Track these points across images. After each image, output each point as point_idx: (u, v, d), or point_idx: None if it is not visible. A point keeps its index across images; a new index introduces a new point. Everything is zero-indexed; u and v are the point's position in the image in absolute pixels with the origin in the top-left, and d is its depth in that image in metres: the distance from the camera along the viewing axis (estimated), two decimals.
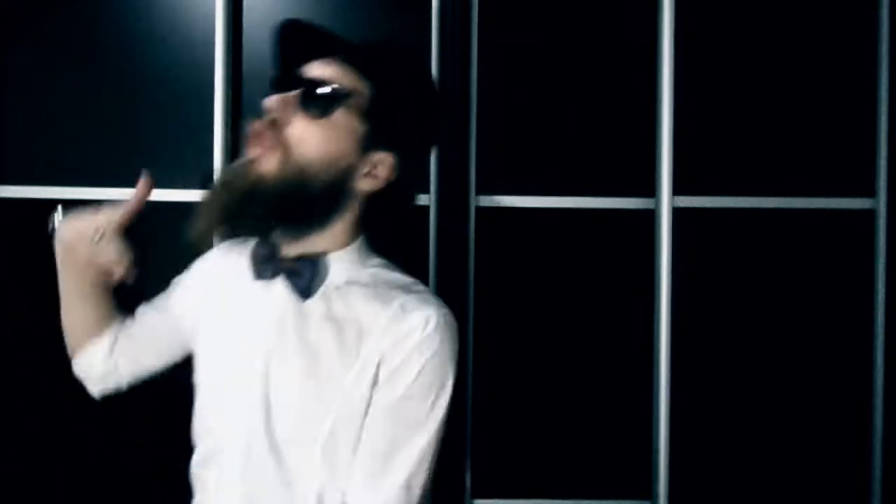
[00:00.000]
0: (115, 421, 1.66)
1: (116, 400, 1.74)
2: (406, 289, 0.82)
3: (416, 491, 0.78)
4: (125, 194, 1.68)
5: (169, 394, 1.71)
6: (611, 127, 1.69)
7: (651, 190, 1.67)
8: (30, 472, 1.66)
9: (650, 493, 1.66)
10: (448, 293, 1.67)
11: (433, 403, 0.79)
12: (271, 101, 0.76)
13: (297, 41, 0.83)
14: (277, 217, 0.78)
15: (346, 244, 0.83)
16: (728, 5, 1.69)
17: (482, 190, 1.67)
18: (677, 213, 1.66)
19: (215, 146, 1.60)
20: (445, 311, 0.80)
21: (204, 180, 0.86)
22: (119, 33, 1.64)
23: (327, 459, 0.79)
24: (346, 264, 0.83)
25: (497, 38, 1.68)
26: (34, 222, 1.66)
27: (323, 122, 0.76)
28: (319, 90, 0.76)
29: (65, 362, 1.71)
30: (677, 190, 1.65)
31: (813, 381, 1.71)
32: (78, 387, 1.75)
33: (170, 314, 1.01)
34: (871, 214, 1.69)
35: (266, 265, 0.82)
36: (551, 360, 1.70)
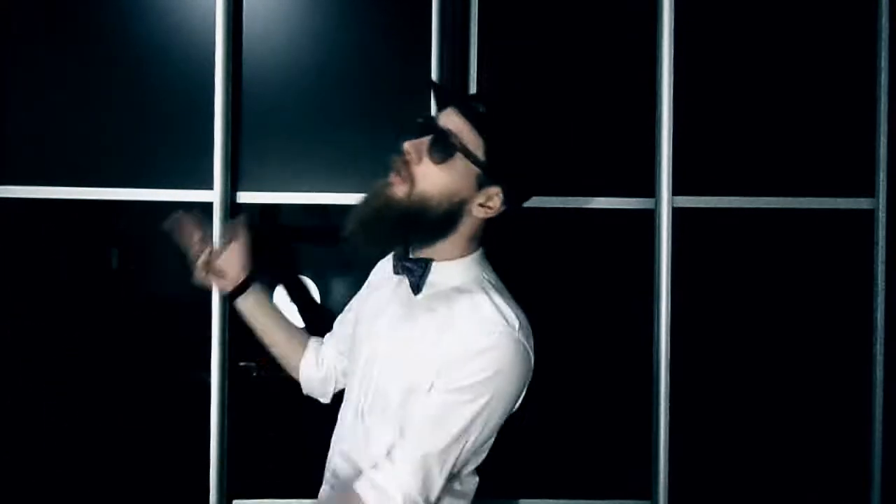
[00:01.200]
0: (115, 422, 1.67)
1: (114, 401, 1.73)
2: (499, 306, 1.00)
3: (435, 470, 0.93)
4: (125, 194, 1.68)
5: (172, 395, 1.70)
6: (611, 127, 1.69)
7: (651, 190, 1.67)
8: (29, 473, 1.66)
9: (650, 493, 1.67)
10: None
11: (491, 403, 0.94)
12: (408, 145, 0.97)
13: (435, 97, 1.09)
14: (400, 232, 1.00)
15: (460, 256, 1.04)
16: (728, 5, 1.69)
17: None
18: (677, 213, 1.66)
19: (215, 146, 1.60)
20: (522, 333, 0.99)
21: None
22: (119, 33, 1.64)
23: (395, 425, 0.98)
24: (455, 272, 1.04)
25: (497, 38, 1.68)
26: (34, 222, 1.66)
27: (444, 165, 0.96)
28: (444, 140, 0.96)
29: (65, 362, 1.71)
30: (677, 190, 1.65)
31: (812, 381, 1.72)
32: (78, 386, 1.75)
33: (355, 312, 1.24)
34: (870, 214, 1.69)
35: (398, 263, 1.04)
36: (551, 360, 1.70)
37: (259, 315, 1.31)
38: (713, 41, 1.70)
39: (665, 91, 1.63)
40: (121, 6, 1.64)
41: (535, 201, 1.67)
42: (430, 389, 0.95)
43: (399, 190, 0.97)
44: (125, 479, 1.67)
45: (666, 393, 1.64)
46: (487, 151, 0.96)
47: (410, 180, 0.97)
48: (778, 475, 1.72)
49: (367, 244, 1.01)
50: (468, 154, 0.96)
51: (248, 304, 1.31)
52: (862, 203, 1.69)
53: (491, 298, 1.01)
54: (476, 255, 1.06)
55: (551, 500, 1.69)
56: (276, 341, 1.33)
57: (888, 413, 1.68)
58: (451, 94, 1.06)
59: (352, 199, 1.63)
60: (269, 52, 1.66)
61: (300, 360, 1.32)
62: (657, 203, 1.65)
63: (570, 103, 1.69)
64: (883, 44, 1.67)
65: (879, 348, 1.68)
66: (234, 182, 1.63)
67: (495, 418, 0.97)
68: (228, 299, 1.35)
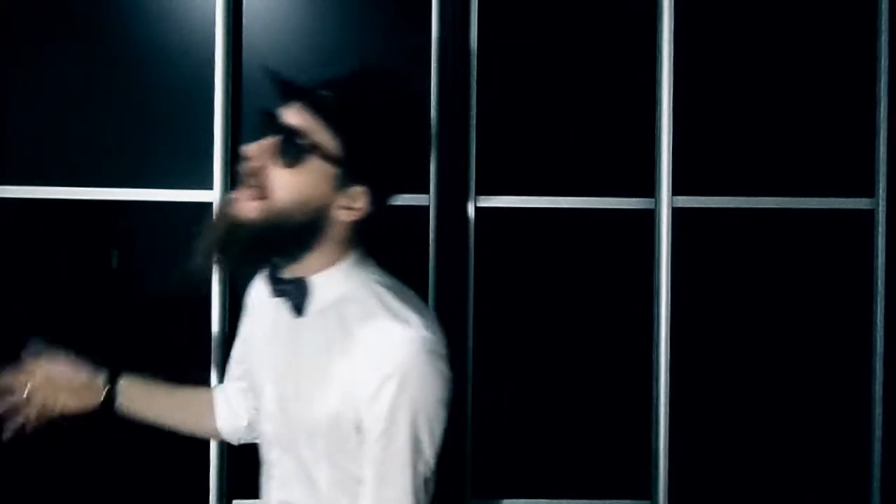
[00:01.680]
0: (115, 422, 1.66)
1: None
2: (395, 310, 0.88)
3: (421, 496, 0.86)
4: (125, 194, 1.68)
5: None
6: (611, 127, 1.69)
7: (651, 190, 1.67)
8: (30, 473, 1.66)
9: (650, 493, 1.66)
10: (448, 293, 1.67)
11: (418, 422, 0.85)
12: (251, 150, 0.83)
13: (279, 90, 0.90)
14: (257, 253, 0.87)
15: (335, 263, 0.90)
16: (728, 5, 1.69)
17: (482, 190, 1.67)
18: (677, 213, 1.66)
19: (215, 146, 1.60)
20: (427, 335, 0.85)
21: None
22: (119, 33, 1.64)
23: (332, 451, 0.88)
24: (334, 282, 0.90)
25: (497, 38, 1.68)
26: (34, 222, 1.66)
27: (297, 169, 0.83)
28: (293, 140, 0.83)
29: None
30: (677, 190, 1.65)
31: (812, 381, 1.72)
32: None
33: (245, 341, 1.10)
34: (870, 214, 1.69)
35: (271, 286, 0.92)
36: (551, 360, 1.70)
37: (144, 410, 1.11)
38: (713, 41, 1.70)
39: (665, 91, 1.63)
40: (121, 6, 1.64)
41: (536, 201, 1.67)
42: (357, 430, 0.86)
43: (248, 207, 0.82)
44: (125, 479, 1.67)
45: (666, 393, 1.64)
46: (345, 148, 0.84)
47: (262, 193, 0.83)
48: (778, 475, 1.72)
49: (226, 268, 0.91)
50: (323, 153, 0.83)
51: (125, 408, 1.10)
52: (862, 203, 1.69)
53: (383, 302, 0.88)
54: (354, 258, 0.91)
55: (551, 500, 1.69)
56: (179, 421, 1.14)
57: (888, 413, 1.68)
58: (297, 88, 0.88)
59: None
60: (269, 52, 1.66)
61: (215, 422, 1.13)
62: (657, 203, 1.65)
63: (570, 103, 1.69)
64: (883, 44, 1.67)
65: (879, 348, 1.68)
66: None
67: (437, 428, 0.87)
68: (101, 412, 1.12)
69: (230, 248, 0.85)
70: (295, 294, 0.90)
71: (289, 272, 0.90)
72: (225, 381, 1.15)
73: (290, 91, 0.88)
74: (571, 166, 1.69)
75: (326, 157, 0.83)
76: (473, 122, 1.66)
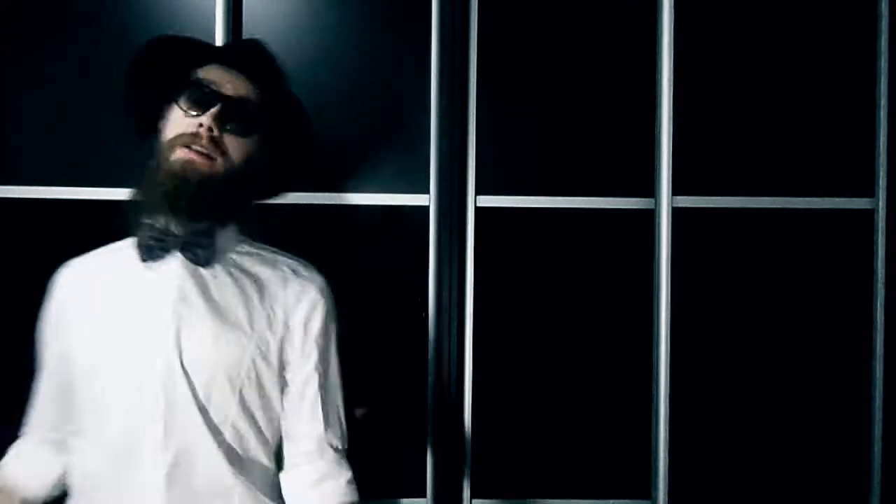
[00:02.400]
0: None
1: None
2: (284, 255, 1.05)
3: (342, 414, 1.03)
4: (125, 194, 1.68)
5: None
6: (611, 127, 1.69)
7: (651, 190, 1.67)
8: None
9: (650, 493, 1.67)
10: (448, 293, 1.67)
11: (331, 347, 1.03)
12: (208, 120, 0.93)
13: (184, 52, 1.03)
14: (217, 206, 0.94)
15: (231, 222, 1.02)
16: (728, 5, 1.69)
17: (482, 190, 1.67)
18: (677, 213, 1.66)
19: None
20: (310, 269, 1.05)
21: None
22: (119, 33, 1.64)
23: (250, 400, 0.94)
24: (229, 238, 1.01)
25: (497, 37, 1.68)
26: (34, 222, 1.66)
27: (246, 137, 0.97)
28: (243, 113, 0.96)
29: None
30: (677, 190, 1.65)
31: (812, 381, 1.72)
32: None
33: (63, 365, 1.02)
34: (870, 214, 1.69)
35: (161, 245, 0.95)
36: (551, 360, 1.70)
37: None
38: (713, 41, 1.70)
39: (665, 91, 1.63)
40: (121, 6, 1.64)
41: (536, 201, 1.67)
42: (281, 353, 0.98)
43: (210, 166, 0.92)
44: None
45: (666, 393, 1.64)
46: (272, 115, 1.02)
47: (221, 156, 0.94)
48: (778, 475, 1.72)
49: (183, 221, 0.94)
50: (264, 124, 0.99)
51: None
52: (862, 203, 1.69)
53: (273, 252, 1.05)
54: (244, 217, 1.05)
55: (551, 501, 1.69)
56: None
57: (888, 413, 1.68)
58: (230, 51, 1.06)
59: (351, 199, 1.65)
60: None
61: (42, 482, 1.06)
62: (657, 203, 1.65)
63: (570, 103, 1.69)
64: (883, 44, 1.67)
65: (879, 348, 1.68)
66: None
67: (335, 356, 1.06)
68: None
69: (195, 202, 0.91)
70: (205, 245, 0.96)
71: (182, 229, 0.95)
72: (32, 430, 1.10)
73: (222, 54, 1.03)
74: (571, 166, 1.69)
75: (265, 127, 0.99)
76: (473, 122, 1.66)
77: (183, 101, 0.95)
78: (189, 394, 0.91)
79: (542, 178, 1.69)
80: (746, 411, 1.71)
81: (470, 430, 1.67)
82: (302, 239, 1.68)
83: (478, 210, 1.66)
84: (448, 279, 1.67)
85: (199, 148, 0.92)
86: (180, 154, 0.91)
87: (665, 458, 1.64)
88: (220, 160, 0.93)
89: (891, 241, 1.68)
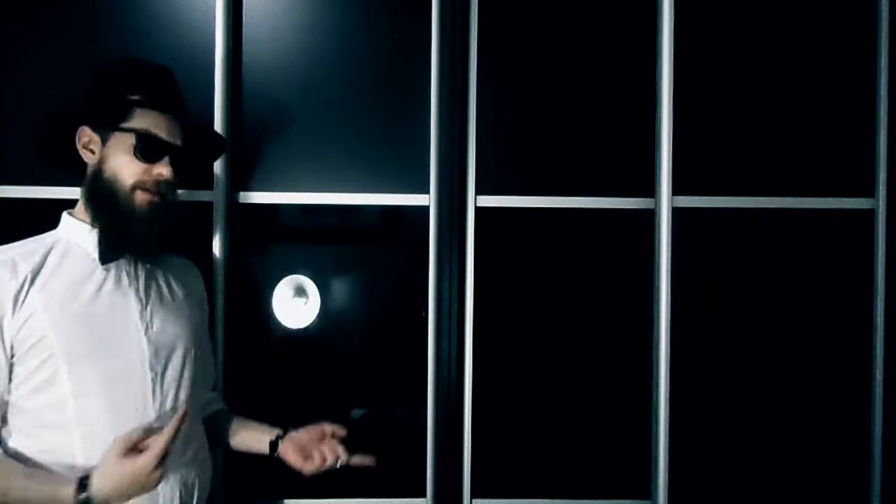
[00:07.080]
0: None
1: None
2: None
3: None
4: None
5: None
6: (611, 127, 1.69)
7: (651, 190, 1.67)
8: None
9: (650, 493, 1.67)
10: (448, 293, 1.67)
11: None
12: (166, 171, 1.14)
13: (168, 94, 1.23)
14: (173, 236, 1.19)
15: None
16: (728, 5, 1.69)
17: (482, 190, 1.67)
18: (677, 213, 1.66)
19: None
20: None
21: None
22: (119, 33, 1.64)
23: (193, 376, 1.21)
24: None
25: (497, 38, 1.68)
26: (34, 222, 1.66)
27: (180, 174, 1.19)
28: (184, 155, 1.18)
29: None
30: (677, 190, 1.65)
31: (812, 382, 1.72)
32: None
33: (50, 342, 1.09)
34: (870, 214, 1.69)
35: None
36: (551, 361, 1.70)
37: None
38: (713, 41, 1.70)
39: (665, 91, 1.63)
40: (121, 6, 1.64)
41: (536, 201, 1.67)
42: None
43: (167, 204, 1.16)
44: None
45: (666, 393, 1.64)
46: (192, 146, 1.26)
47: (171, 195, 1.18)
48: (778, 475, 1.72)
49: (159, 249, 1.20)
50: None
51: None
52: (862, 203, 1.69)
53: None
54: None
55: (551, 501, 1.69)
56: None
57: (888, 413, 1.68)
58: (177, 102, 1.23)
59: (351, 199, 1.65)
60: (270, 52, 1.66)
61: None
62: (657, 203, 1.65)
63: (570, 103, 1.69)
64: (883, 44, 1.67)
65: (880, 348, 1.68)
66: (234, 182, 1.63)
67: None
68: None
69: (160, 240, 1.16)
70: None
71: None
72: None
73: (174, 105, 1.20)
74: (571, 166, 1.69)
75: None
76: (473, 122, 1.66)
77: (138, 153, 1.12)
78: (164, 354, 1.16)
79: (542, 178, 1.69)
80: (746, 411, 1.71)
81: (470, 430, 1.67)
82: (302, 239, 1.69)
83: (478, 210, 1.66)
84: (448, 279, 1.67)
85: (159, 191, 1.14)
86: (143, 198, 1.13)
87: (665, 458, 1.64)
88: (170, 197, 1.17)
89: (891, 241, 1.68)
